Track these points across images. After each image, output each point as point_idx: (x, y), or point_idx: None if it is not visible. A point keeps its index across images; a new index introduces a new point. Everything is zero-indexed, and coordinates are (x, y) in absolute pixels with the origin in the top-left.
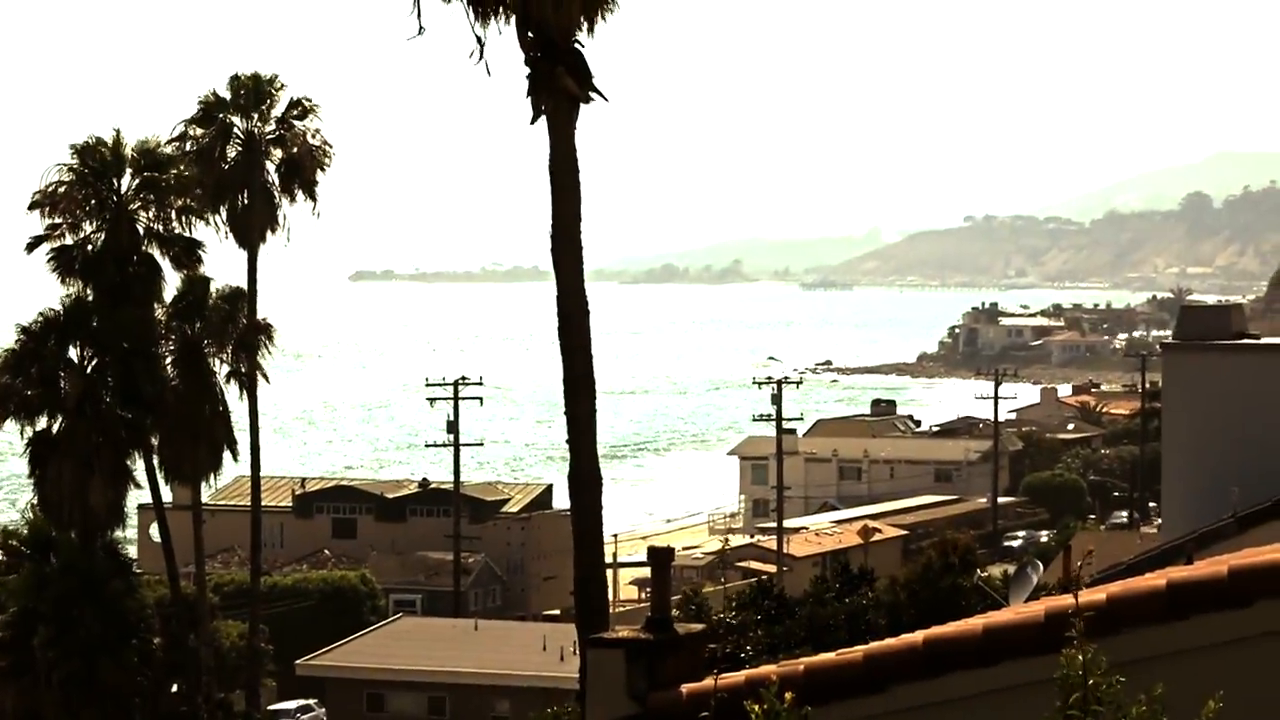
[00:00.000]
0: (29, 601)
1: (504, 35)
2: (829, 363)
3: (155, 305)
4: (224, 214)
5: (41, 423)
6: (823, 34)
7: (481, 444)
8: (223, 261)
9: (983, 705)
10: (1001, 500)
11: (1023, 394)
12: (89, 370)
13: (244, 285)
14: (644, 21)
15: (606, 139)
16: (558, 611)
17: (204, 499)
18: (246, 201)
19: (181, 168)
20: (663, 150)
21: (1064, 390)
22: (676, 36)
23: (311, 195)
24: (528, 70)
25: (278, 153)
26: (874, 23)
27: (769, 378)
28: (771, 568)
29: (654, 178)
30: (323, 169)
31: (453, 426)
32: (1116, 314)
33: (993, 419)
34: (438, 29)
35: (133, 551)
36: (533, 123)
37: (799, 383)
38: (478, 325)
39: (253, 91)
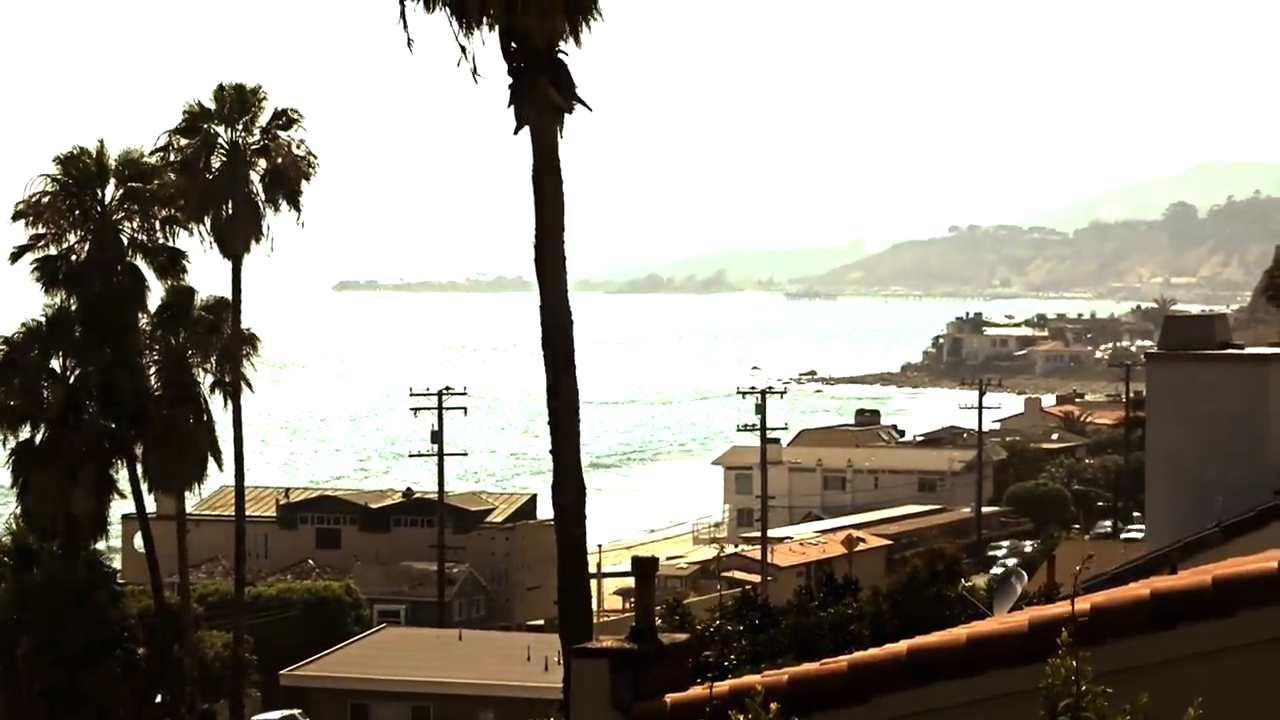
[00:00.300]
0: (12, 612)
1: (487, 45)
2: (813, 373)
3: (139, 315)
4: (208, 224)
5: (24, 433)
6: (807, 46)
7: (466, 454)
8: (207, 272)
9: (967, 715)
10: (985, 510)
11: (1007, 404)
12: (72, 380)
13: (228, 295)
14: (629, 30)
15: (591, 148)
16: (542, 621)
17: (188, 509)
18: (231, 212)
19: (166, 178)
20: (647, 160)
21: (1048, 400)
22: (662, 46)
23: (296, 205)
24: (510, 80)
25: (262, 163)
26: (858, 34)
27: (753, 387)
28: (756, 577)
29: (638, 187)
30: (307, 179)
31: (436, 436)
32: (1100, 324)
33: (977, 429)
34: (421, 39)
35: (116, 562)
36: (515, 133)
37: (783, 393)
38: (462, 335)
39: (237, 101)
